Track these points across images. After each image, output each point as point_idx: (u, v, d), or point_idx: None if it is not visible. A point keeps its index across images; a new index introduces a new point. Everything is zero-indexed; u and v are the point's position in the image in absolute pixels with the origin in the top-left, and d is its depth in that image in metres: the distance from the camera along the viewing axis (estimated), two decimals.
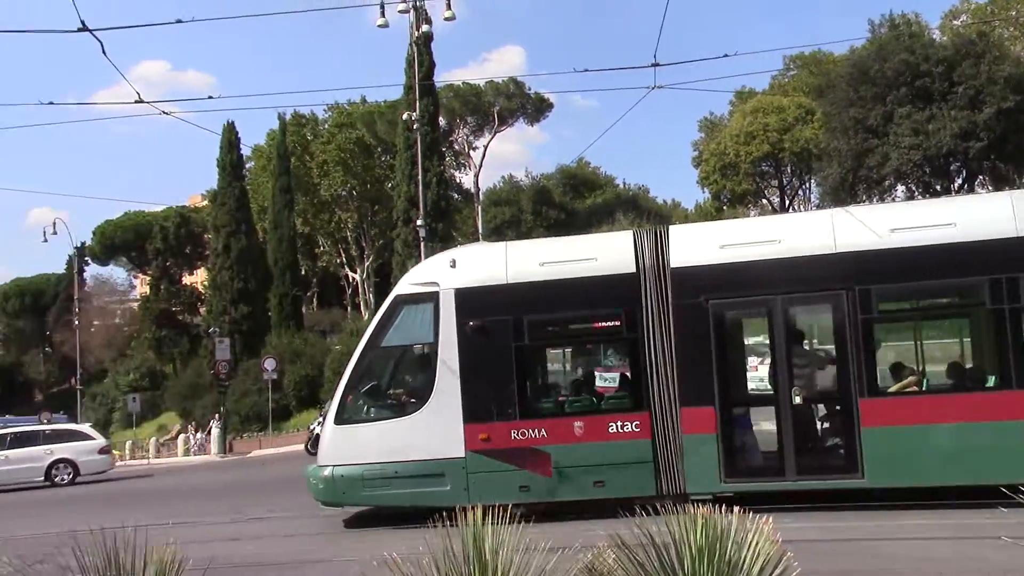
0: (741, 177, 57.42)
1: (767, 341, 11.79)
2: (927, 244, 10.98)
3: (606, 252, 12.31)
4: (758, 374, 11.70)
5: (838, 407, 11.34)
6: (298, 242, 58.56)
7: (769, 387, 11.57)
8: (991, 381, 11.18)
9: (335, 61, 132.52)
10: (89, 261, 77.12)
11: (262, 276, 54.06)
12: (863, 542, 9.31)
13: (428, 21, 38.07)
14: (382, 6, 28.91)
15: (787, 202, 60.08)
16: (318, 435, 27.05)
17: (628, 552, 4.52)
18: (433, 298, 12.35)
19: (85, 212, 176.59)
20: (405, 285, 12.90)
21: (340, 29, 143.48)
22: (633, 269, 11.84)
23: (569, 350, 13.95)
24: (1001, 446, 10.34)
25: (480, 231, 53.97)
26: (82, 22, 14.26)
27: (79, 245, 70.34)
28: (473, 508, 4.78)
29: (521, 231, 56.50)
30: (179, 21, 13.84)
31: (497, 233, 53.92)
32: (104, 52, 16.02)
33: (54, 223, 51.89)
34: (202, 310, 69.05)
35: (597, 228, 39.91)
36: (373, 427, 12.52)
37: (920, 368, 12.01)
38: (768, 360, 11.84)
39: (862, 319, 11.05)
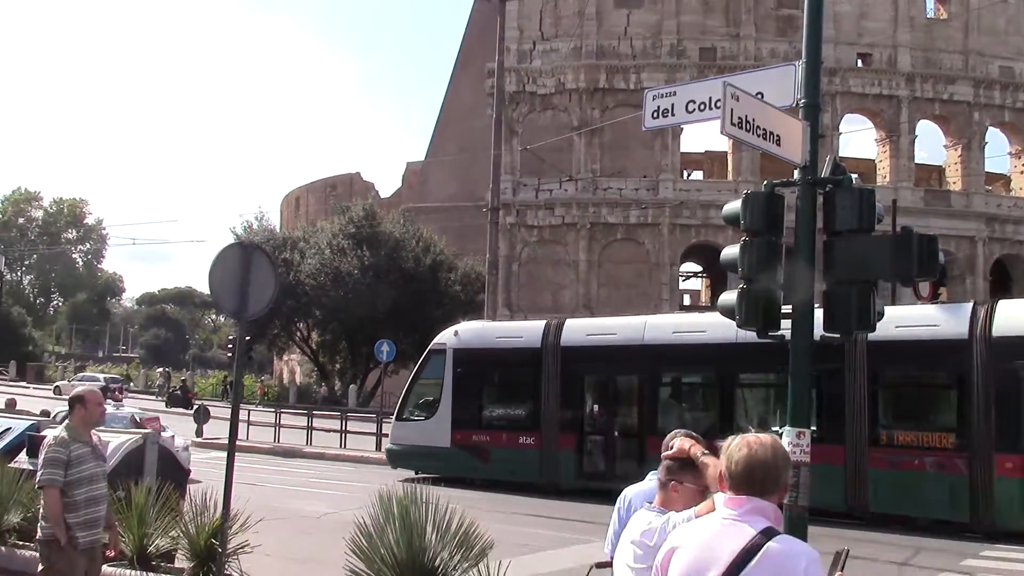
0: None
1: (611, 394, 20.69)
2: (688, 343, 18.88)
3: (530, 333, 21.43)
4: (605, 413, 20.74)
5: (635, 436, 19.61)
6: None
7: (607, 423, 20.35)
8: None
9: None
10: None
11: None
12: None
13: None
14: None
15: None
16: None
17: None
18: (444, 352, 21.72)
19: None
20: (434, 343, 22.18)
21: None
22: (539, 346, 20.62)
23: (507, 391, 22.83)
24: None
25: None
26: None
27: None
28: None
29: None
30: None
31: None
32: None
33: None
34: None
35: None
36: (413, 424, 22.05)
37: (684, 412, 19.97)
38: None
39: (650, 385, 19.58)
